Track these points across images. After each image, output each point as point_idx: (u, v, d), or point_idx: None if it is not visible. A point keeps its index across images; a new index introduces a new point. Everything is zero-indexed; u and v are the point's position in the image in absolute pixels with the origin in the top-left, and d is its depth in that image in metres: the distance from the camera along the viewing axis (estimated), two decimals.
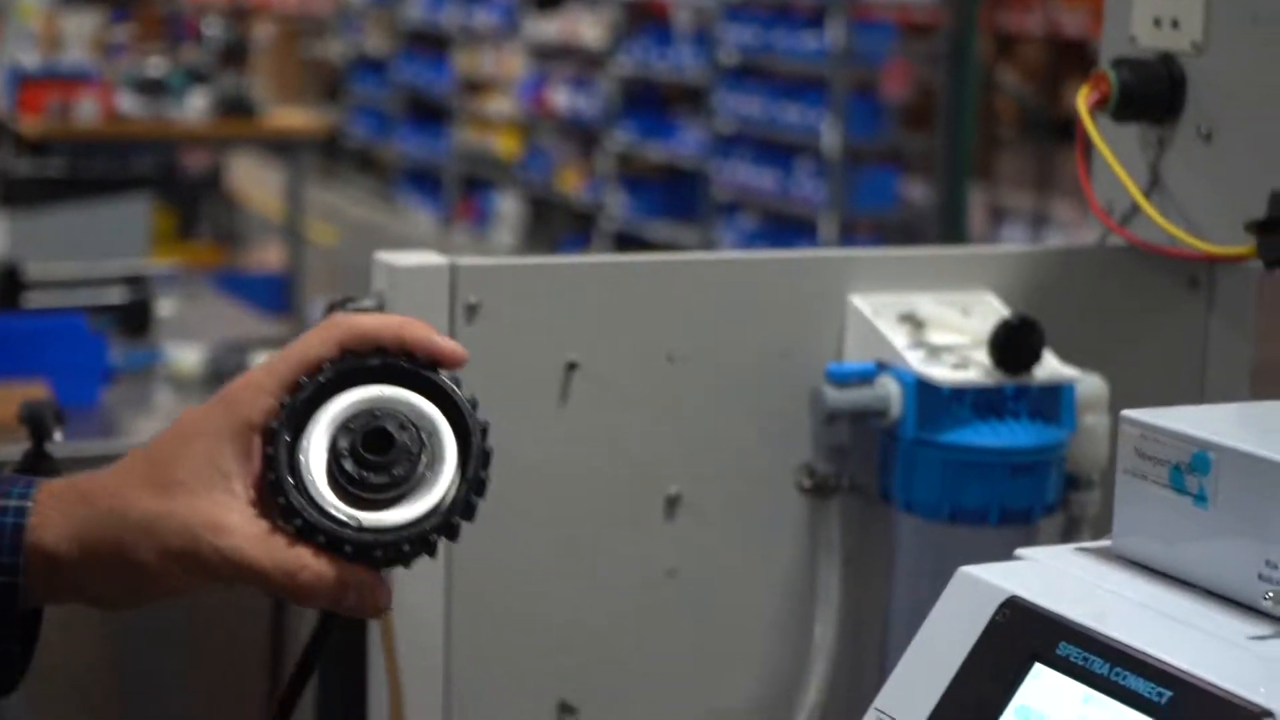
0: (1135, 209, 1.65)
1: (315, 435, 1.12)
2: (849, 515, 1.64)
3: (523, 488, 1.56)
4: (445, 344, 1.15)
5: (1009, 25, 8.55)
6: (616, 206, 10.32)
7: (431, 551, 1.13)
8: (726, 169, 9.33)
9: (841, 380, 1.58)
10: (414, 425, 1.12)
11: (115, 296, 3.56)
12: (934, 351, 1.60)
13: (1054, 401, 1.59)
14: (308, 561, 1.10)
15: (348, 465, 1.11)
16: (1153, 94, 1.65)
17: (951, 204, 7.30)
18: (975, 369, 1.58)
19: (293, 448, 1.12)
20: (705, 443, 1.61)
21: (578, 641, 1.60)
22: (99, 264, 4.56)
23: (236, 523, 1.11)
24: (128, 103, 8.09)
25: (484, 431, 1.14)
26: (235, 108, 8.31)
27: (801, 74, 8.82)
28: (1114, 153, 1.65)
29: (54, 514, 1.13)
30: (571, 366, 1.57)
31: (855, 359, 1.62)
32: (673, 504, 1.61)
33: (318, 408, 1.13)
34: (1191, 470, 1.13)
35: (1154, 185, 1.68)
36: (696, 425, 1.61)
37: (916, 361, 1.58)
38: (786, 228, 8.80)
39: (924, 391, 1.57)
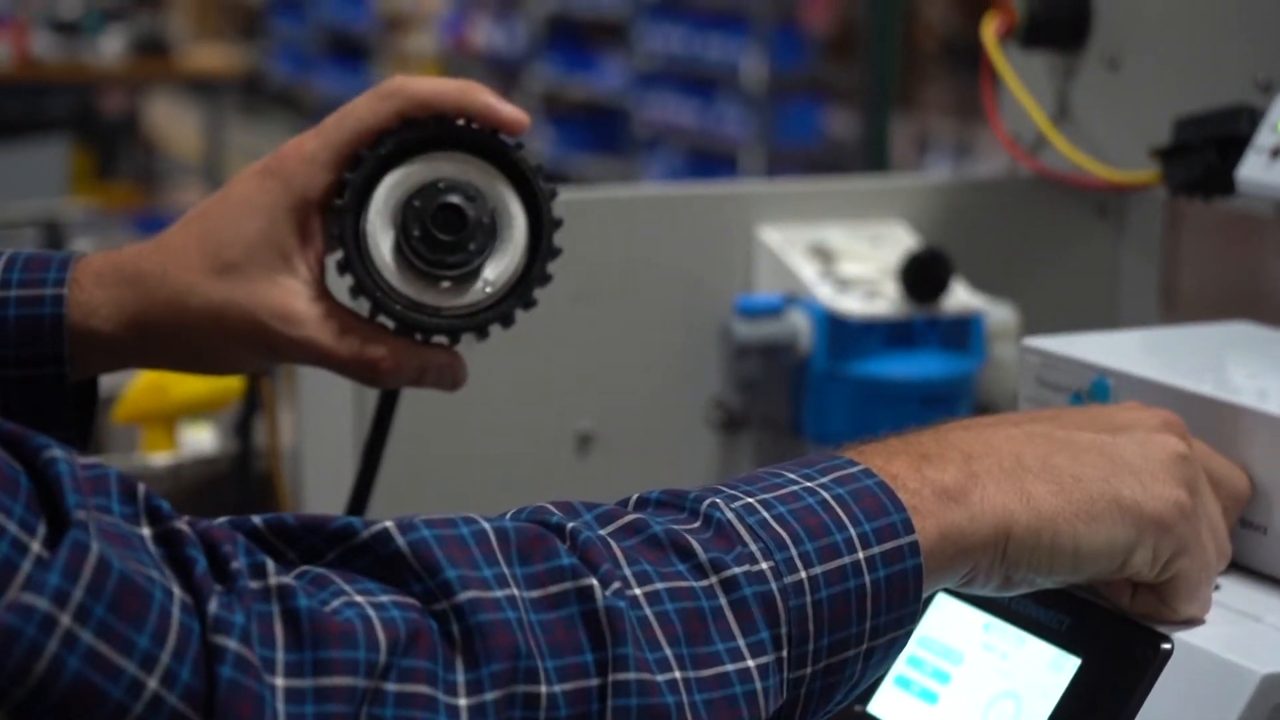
0: (1043, 138, 1.66)
1: (377, 212, 1.07)
2: (761, 449, 1.65)
3: (433, 431, 1.55)
4: (507, 110, 1.09)
5: None
6: (540, 143, 10.28)
7: (509, 324, 1.10)
8: (648, 104, 9.30)
9: (751, 314, 1.59)
10: (481, 197, 1.07)
11: (28, 243, 3.52)
12: (843, 283, 1.60)
13: (964, 332, 1.60)
14: (383, 353, 1.07)
15: (419, 246, 1.06)
16: (1059, 22, 1.65)
17: (875, 134, 7.28)
18: (885, 300, 1.59)
19: (357, 227, 1.07)
20: (615, 379, 1.62)
21: None
22: (14, 205, 4.52)
23: (305, 310, 1.07)
24: (43, 44, 8.01)
25: (553, 196, 1.09)
26: (151, 46, 8.23)
27: (723, 8, 8.79)
28: (1022, 82, 1.65)
29: (102, 296, 1.08)
30: None
31: (765, 292, 1.62)
32: (585, 442, 1.61)
33: (378, 181, 1.08)
34: (1091, 397, 1.14)
35: (1061, 114, 1.68)
36: (606, 362, 1.61)
37: (826, 294, 1.58)
38: (711, 161, 8.78)
39: (833, 324, 1.57)
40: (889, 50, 7.29)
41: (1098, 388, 1.13)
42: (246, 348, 1.09)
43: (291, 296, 1.07)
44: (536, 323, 1.57)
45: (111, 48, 8.14)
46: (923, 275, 1.57)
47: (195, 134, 9.47)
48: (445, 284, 1.07)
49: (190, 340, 1.09)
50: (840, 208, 1.68)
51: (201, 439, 2.02)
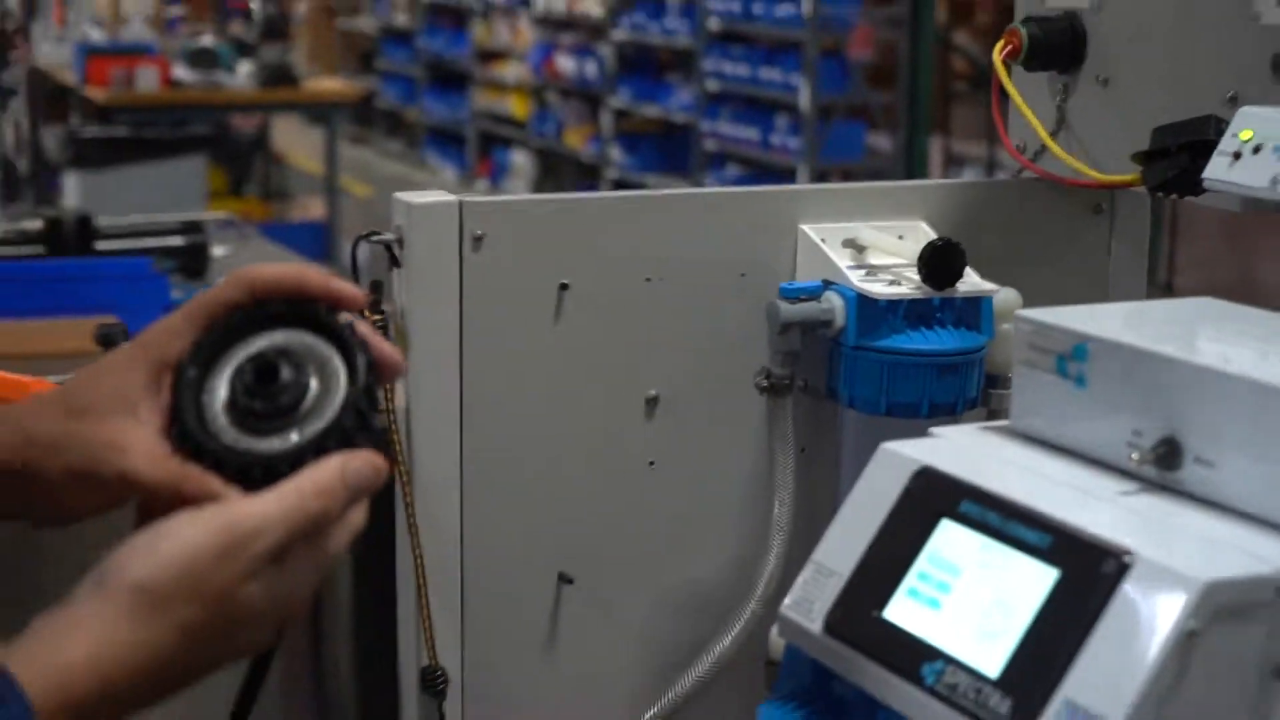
0: (1044, 146, 1.72)
1: (223, 373, 1.10)
2: (801, 411, 1.71)
3: (524, 394, 1.62)
4: (341, 287, 1.10)
5: None
6: (617, 160, 10.35)
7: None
8: (713, 125, 9.36)
9: (793, 296, 1.65)
10: (307, 361, 1.09)
11: (175, 241, 3.59)
12: (872, 271, 1.66)
13: (975, 311, 1.65)
14: (191, 474, 1.05)
15: (239, 398, 1.09)
16: (1058, 46, 1.70)
17: (911, 153, 7.31)
18: (907, 285, 1.64)
19: (199, 383, 1.09)
20: (679, 351, 1.68)
21: (573, 522, 1.67)
22: (161, 214, 4.62)
23: (135, 442, 1.06)
24: (182, 73, 8.14)
25: (369, 368, 1.09)
26: (278, 77, 8.35)
27: (779, 39, 8.84)
28: (1026, 98, 1.71)
29: None
30: (563, 288, 1.63)
31: (805, 279, 1.68)
32: (652, 404, 1.68)
33: (228, 349, 1.11)
34: (1073, 358, 1.20)
35: (1060, 126, 1.74)
36: (671, 337, 1.67)
37: (857, 279, 1.64)
38: (767, 177, 8.83)
39: (863, 304, 1.63)
40: (925, 78, 7.33)
41: (1078, 350, 1.19)
42: (81, 479, 1.08)
43: (126, 432, 1.08)
44: (613, 302, 1.65)
45: (243, 77, 8.26)
46: (940, 263, 1.63)
47: (315, 152, 9.58)
48: (264, 434, 1.08)
49: (32, 471, 1.09)
50: (871, 208, 1.73)
51: None
